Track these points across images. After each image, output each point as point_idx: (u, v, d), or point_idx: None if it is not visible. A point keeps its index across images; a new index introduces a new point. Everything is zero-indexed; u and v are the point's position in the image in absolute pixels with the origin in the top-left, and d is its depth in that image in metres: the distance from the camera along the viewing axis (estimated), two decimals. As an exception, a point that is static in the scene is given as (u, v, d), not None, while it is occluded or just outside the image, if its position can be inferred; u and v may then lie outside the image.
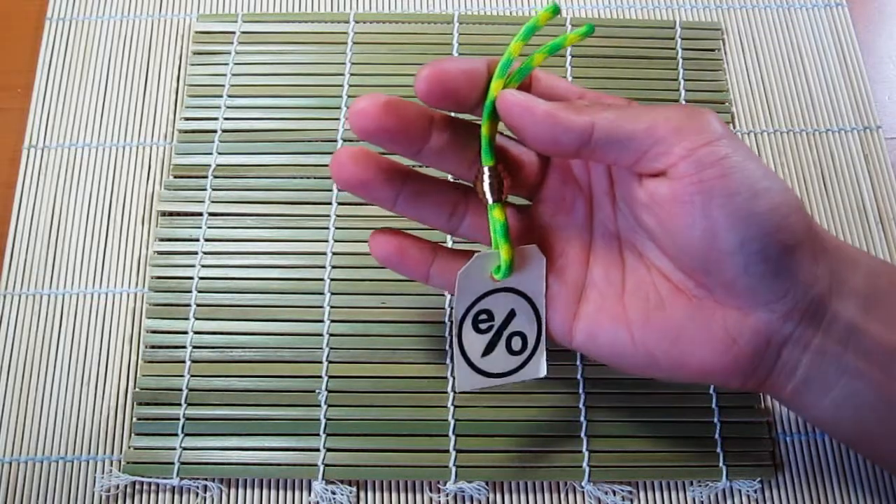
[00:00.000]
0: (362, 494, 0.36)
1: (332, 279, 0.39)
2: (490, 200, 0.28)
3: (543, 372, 0.30)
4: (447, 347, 0.38)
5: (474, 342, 0.29)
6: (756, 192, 0.24)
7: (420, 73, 0.26)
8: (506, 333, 0.30)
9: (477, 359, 0.30)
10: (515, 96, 0.26)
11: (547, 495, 0.36)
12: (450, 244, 0.39)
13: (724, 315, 0.26)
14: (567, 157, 0.28)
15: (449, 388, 0.37)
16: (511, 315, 0.30)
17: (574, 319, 0.29)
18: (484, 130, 0.27)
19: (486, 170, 0.28)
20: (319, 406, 0.37)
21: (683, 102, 0.43)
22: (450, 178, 0.32)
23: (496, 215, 0.28)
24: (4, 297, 0.39)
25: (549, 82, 0.28)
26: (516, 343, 0.30)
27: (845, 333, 0.26)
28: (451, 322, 0.37)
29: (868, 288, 0.26)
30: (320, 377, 0.37)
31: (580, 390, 0.37)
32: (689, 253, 0.26)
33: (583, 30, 0.27)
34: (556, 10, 0.27)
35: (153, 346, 0.38)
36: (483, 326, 0.29)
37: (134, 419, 0.37)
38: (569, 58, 0.44)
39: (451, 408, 0.37)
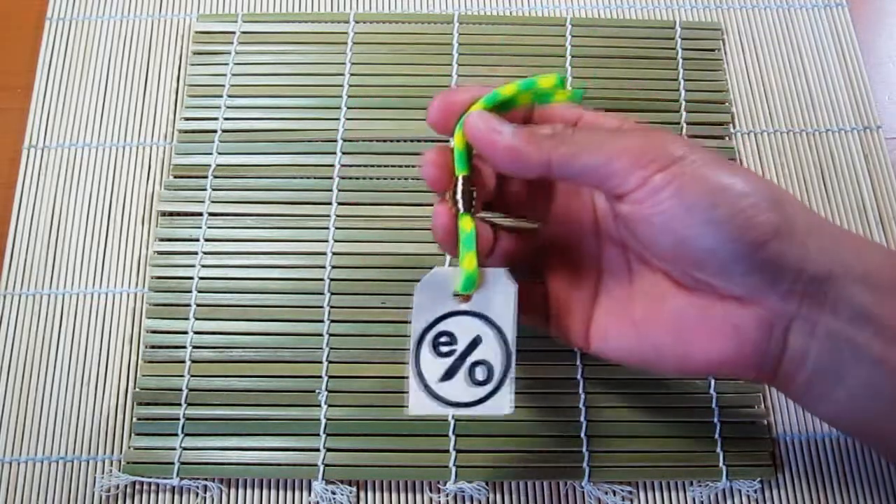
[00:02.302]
0: (362, 494, 0.36)
1: (332, 279, 0.39)
2: (461, 209, 0.28)
3: (508, 409, 0.28)
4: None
5: (432, 365, 0.28)
6: (714, 203, 0.24)
7: (431, 104, 0.28)
8: (469, 361, 0.28)
9: (434, 382, 0.28)
10: (479, 125, 0.27)
11: (547, 495, 0.36)
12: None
13: (725, 305, 0.26)
14: (533, 179, 0.29)
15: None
16: (476, 342, 0.28)
17: (590, 325, 0.30)
18: (457, 143, 0.28)
19: (459, 179, 0.28)
20: (319, 406, 0.37)
21: (684, 103, 0.43)
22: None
23: (464, 225, 0.28)
24: (4, 297, 0.39)
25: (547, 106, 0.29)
26: (480, 373, 0.28)
27: (856, 315, 0.25)
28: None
29: (880, 272, 0.26)
30: (320, 377, 0.37)
31: (580, 390, 0.37)
32: (668, 259, 0.27)
33: (572, 94, 0.28)
34: (562, 83, 0.28)
35: (153, 346, 0.38)
36: (443, 350, 0.28)
37: (134, 419, 0.37)
38: (569, 58, 0.44)
39: (451, 408, 0.37)
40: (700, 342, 0.27)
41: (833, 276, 0.25)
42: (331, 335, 0.38)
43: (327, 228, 0.40)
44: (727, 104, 0.44)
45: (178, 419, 0.36)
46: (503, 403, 0.28)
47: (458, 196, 0.28)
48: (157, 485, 0.36)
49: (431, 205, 0.29)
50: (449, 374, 0.28)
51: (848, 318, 0.25)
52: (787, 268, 0.25)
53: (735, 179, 0.25)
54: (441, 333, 0.28)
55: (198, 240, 0.40)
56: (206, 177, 0.41)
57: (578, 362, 0.38)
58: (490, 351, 0.28)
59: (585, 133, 0.27)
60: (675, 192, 0.25)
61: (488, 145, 0.27)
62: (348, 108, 0.43)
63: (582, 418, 0.36)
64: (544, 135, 0.26)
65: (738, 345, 0.26)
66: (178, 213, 0.41)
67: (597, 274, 0.30)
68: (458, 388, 0.28)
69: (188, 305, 0.39)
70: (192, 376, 0.37)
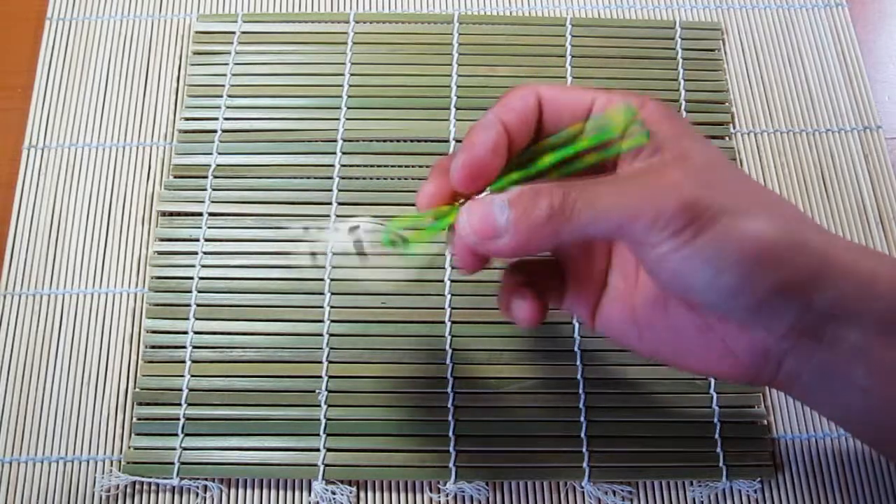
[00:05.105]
0: (362, 494, 0.36)
1: (332, 279, 0.39)
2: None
3: None
4: (447, 347, 0.38)
5: None
6: (719, 269, 0.24)
7: (455, 165, 0.26)
8: None
9: None
10: (470, 238, 0.25)
11: (547, 495, 0.36)
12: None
13: (724, 328, 0.26)
14: None
15: (449, 389, 0.37)
16: None
17: (596, 309, 0.30)
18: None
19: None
20: (319, 406, 0.37)
21: (684, 103, 0.43)
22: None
23: (450, 216, 0.27)
24: (4, 297, 0.39)
25: (555, 102, 0.27)
26: None
27: (853, 353, 0.25)
28: (451, 322, 0.38)
29: (887, 308, 0.25)
30: (320, 377, 0.37)
31: (580, 390, 0.37)
32: (672, 292, 0.27)
33: (637, 139, 0.26)
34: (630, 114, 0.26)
35: (153, 346, 0.38)
36: None
37: (134, 419, 0.37)
38: (569, 58, 0.44)
39: (451, 408, 0.37)
40: (696, 355, 0.27)
41: (835, 318, 0.25)
42: (331, 335, 0.38)
43: (327, 228, 0.40)
44: (727, 104, 0.44)
45: (178, 419, 0.36)
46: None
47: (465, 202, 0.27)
48: (157, 485, 0.36)
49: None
50: None
51: (843, 353, 0.25)
52: (792, 313, 0.25)
53: (755, 236, 0.24)
54: None
55: (198, 240, 0.40)
56: (206, 177, 0.41)
57: (578, 362, 0.38)
58: None
59: (588, 199, 0.24)
60: (688, 257, 0.24)
61: (490, 252, 0.25)
62: (348, 108, 0.43)
63: (582, 418, 0.36)
64: (544, 218, 0.24)
65: (733, 364, 0.27)
66: (178, 213, 0.41)
67: (606, 265, 0.30)
68: None
69: (188, 305, 0.39)
70: (192, 376, 0.37)
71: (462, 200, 0.27)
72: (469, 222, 0.25)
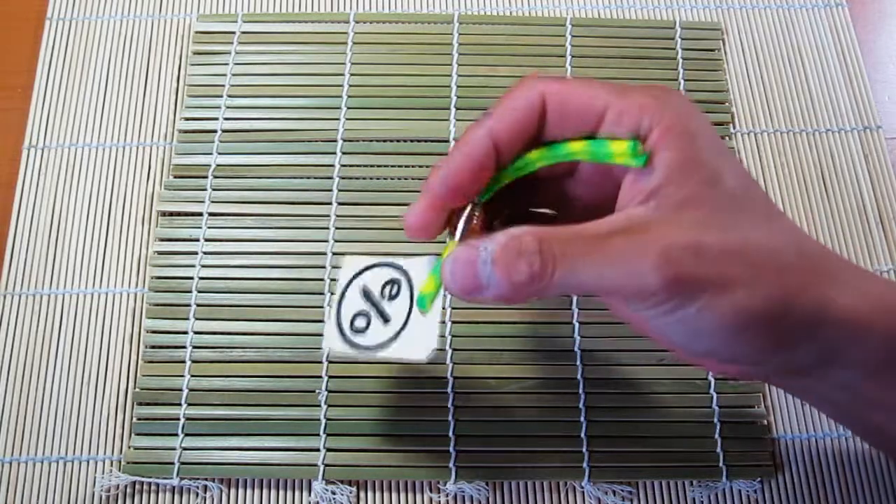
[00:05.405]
0: (362, 494, 0.36)
1: (332, 279, 0.39)
2: (455, 238, 0.26)
3: (422, 353, 0.28)
4: (447, 348, 0.38)
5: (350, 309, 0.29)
6: (701, 335, 0.24)
7: (437, 182, 0.26)
8: (382, 304, 0.29)
9: (349, 329, 0.29)
10: (454, 288, 0.25)
11: (547, 495, 0.36)
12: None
13: (719, 363, 0.27)
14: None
15: (449, 389, 0.37)
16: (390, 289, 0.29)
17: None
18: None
19: (468, 209, 0.26)
20: (319, 406, 0.37)
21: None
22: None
23: (448, 250, 0.26)
24: (4, 297, 0.39)
25: (562, 105, 0.25)
26: (390, 308, 0.29)
27: (840, 389, 0.26)
28: (451, 322, 0.37)
29: (882, 354, 0.25)
30: (320, 377, 0.37)
31: (580, 390, 0.37)
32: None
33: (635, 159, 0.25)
34: (634, 150, 0.24)
35: (153, 346, 0.38)
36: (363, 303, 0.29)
37: (134, 419, 0.37)
38: (569, 58, 0.44)
39: (451, 408, 0.37)
40: (686, 351, 0.27)
41: (828, 362, 0.25)
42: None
43: (327, 228, 0.40)
44: (727, 104, 0.44)
45: (178, 419, 0.36)
46: (419, 345, 0.28)
47: (461, 224, 0.26)
48: (157, 485, 0.36)
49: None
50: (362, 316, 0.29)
51: (831, 386, 0.26)
52: (777, 363, 0.25)
53: (737, 309, 0.23)
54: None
55: (198, 240, 0.40)
56: (206, 177, 0.41)
57: (578, 362, 0.38)
58: (402, 294, 0.29)
59: (568, 265, 0.23)
60: (671, 323, 0.24)
61: (477, 301, 0.25)
62: (348, 108, 0.43)
63: (582, 418, 0.36)
64: (524, 282, 0.23)
65: (725, 373, 0.28)
66: (178, 213, 0.41)
67: None
68: (371, 332, 0.28)
69: (188, 305, 0.39)
70: (192, 376, 0.37)
71: (453, 228, 0.27)
72: (453, 278, 0.25)
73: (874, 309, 0.24)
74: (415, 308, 0.28)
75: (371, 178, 0.41)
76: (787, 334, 0.24)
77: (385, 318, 0.28)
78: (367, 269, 0.29)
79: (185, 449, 0.36)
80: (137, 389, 0.37)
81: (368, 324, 0.28)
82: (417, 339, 0.28)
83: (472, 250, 0.24)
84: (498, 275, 0.23)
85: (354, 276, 0.29)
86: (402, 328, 0.28)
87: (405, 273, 0.29)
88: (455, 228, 0.26)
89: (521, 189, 0.28)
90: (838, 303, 0.24)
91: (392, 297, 0.29)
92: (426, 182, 0.26)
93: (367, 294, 0.29)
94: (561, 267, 0.23)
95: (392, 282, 0.29)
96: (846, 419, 0.29)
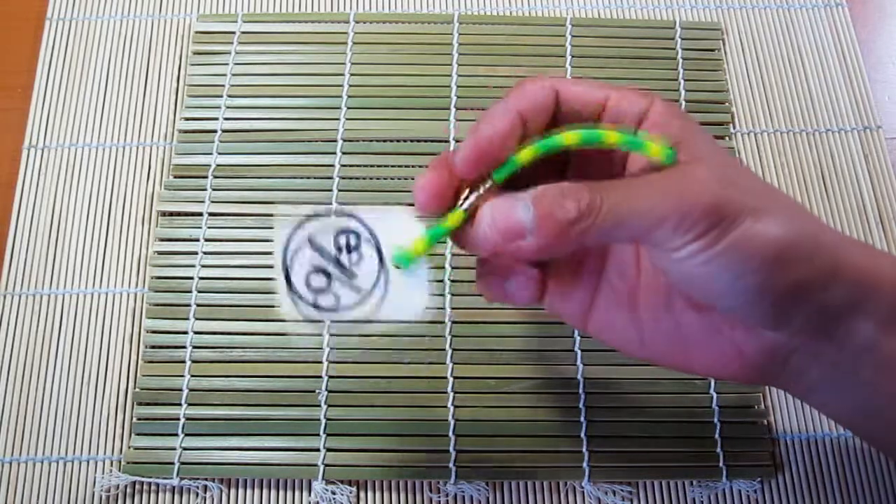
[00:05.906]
0: (362, 494, 0.36)
1: (332, 279, 0.39)
2: (462, 207, 0.25)
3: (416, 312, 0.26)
4: (447, 347, 0.38)
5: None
6: (739, 273, 0.24)
7: (465, 145, 0.25)
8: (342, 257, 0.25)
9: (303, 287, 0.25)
10: (495, 239, 0.24)
11: (547, 495, 0.36)
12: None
13: (732, 328, 0.26)
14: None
15: (449, 389, 0.37)
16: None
17: (589, 311, 0.29)
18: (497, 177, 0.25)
19: (481, 187, 0.25)
20: (319, 406, 0.37)
21: (684, 103, 0.43)
22: None
23: (451, 219, 0.25)
24: (4, 297, 0.39)
25: (571, 98, 0.26)
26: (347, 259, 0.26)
27: (861, 349, 0.25)
28: (451, 322, 0.37)
29: (892, 305, 0.25)
30: (320, 377, 0.37)
31: (580, 390, 0.37)
32: (688, 294, 0.26)
33: (663, 153, 0.25)
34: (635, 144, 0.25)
35: (153, 346, 0.38)
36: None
37: (134, 419, 0.37)
38: (569, 58, 0.44)
39: (451, 408, 0.37)
40: (701, 357, 0.27)
41: (845, 315, 0.25)
42: (331, 335, 0.38)
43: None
44: (727, 104, 0.44)
45: (178, 419, 0.36)
46: (412, 303, 0.26)
47: (473, 196, 0.25)
48: (157, 485, 0.36)
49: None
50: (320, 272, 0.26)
51: (851, 349, 0.25)
52: (805, 311, 0.25)
53: (776, 237, 0.23)
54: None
55: (198, 240, 0.40)
56: (206, 177, 0.41)
57: (578, 362, 0.38)
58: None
59: (614, 202, 0.23)
60: (709, 261, 0.23)
61: (513, 254, 0.24)
62: (348, 108, 0.43)
63: (582, 418, 0.36)
64: (571, 220, 0.23)
65: (741, 366, 0.27)
66: (178, 213, 0.41)
67: (601, 265, 0.29)
68: (336, 291, 0.25)
69: (188, 305, 0.39)
70: (192, 376, 0.37)
71: (462, 200, 0.25)
72: (493, 220, 0.24)
73: (879, 264, 0.25)
74: (389, 263, 0.25)
75: (371, 178, 0.41)
76: (816, 273, 0.24)
77: (348, 273, 0.25)
78: (308, 219, 0.25)
79: (185, 449, 0.36)
80: (137, 389, 0.37)
81: (329, 282, 0.25)
82: (408, 297, 0.26)
83: (511, 198, 0.24)
84: (540, 214, 0.23)
85: (295, 230, 0.25)
86: (379, 285, 0.25)
87: (360, 221, 0.26)
88: (462, 204, 0.25)
89: (512, 185, 0.28)
90: (851, 254, 0.25)
91: (351, 249, 0.25)
92: (435, 159, 0.25)
93: (317, 247, 0.25)
94: (608, 202, 0.23)
95: (345, 231, 0.25)
96: (864, 410, 0.27)
